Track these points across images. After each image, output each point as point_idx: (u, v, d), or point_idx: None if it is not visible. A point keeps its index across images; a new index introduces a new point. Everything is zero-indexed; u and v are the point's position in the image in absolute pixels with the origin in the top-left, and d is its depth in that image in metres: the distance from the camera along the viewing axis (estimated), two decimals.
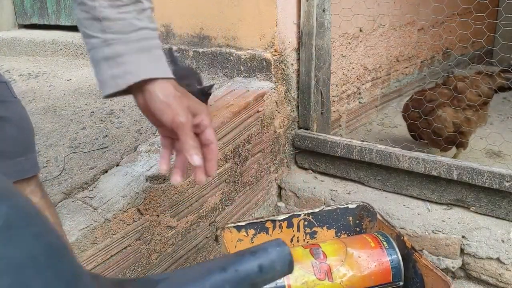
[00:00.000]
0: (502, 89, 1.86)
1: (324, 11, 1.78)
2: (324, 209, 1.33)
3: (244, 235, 1.26)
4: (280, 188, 1.90)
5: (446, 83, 1.92)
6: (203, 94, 1.41)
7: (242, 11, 1.85)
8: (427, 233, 1.54)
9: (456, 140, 1.87)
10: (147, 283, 0.38)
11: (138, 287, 0.38)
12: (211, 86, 1.43)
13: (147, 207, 1.30)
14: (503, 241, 1.46)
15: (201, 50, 2.03)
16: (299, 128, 1.93)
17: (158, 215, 1.34)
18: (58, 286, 0.30)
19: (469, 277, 1.55)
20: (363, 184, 1.79)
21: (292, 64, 1.85)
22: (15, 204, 0.30)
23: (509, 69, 1.82)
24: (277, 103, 1.81)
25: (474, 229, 1.51)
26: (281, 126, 1.86)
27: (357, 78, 2.35)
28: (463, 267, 1.54)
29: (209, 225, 1.57)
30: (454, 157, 1.87)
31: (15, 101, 0.76)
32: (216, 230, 1.60)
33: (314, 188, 1.81)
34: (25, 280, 0.28)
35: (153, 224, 1.33)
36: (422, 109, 1.89)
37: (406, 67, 2.79)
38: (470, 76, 1.88)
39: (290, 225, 1.30)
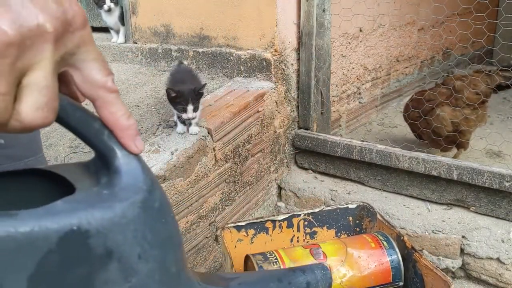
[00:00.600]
0: (500, 87, 1.86)
1: (324, 11, 1.78)
2: (324, 209, 1.33)
3: (244, 235, 1.26)
4: (280, 188, 1.90)
5: (445, 82, 1.92)
6: (195, 94, 1.41)
7: (242, 11, 1.85)
8: (427, 233, 1.54)
9: (456, 140, 1.87)
10: (222, 278, 0.45)
11: (215, 281, 0.44)
12: (202, 86, 1.43)
13: None
14: (503, 241, 1.46)
15: (201, 50, 2.03)
16: (299, 128, 1.93)
17: None
18: (180, 264, 0.38)
19: (469, 277, 1.55)
20: (363, 184, 1.79)
21: (292, 64, 1.85)
22: (162, 191, 0.37)
23: (508, 69, 1.82)
24: (277, 103, 1.81)
25: (474, 229, 1.51)
26: (281, 126, 1.86)
27: (357, 78, 2.35)
28: (463, 267, 1.54)
29: (209, 225, 1.57)
30: (455, 157, 1.87)
31: None
32: (216, 230, 1.60)
33: (314, 188, 1.81)
34: (165, 254, 0.35)
35: None
36: (421, 109, 1.89)
37: (406, 67, 2.79)
38: (469, 76, 1.88)
39: (290, 225, 1.30)
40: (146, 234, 0.34)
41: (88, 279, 0.31)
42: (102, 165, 0.36)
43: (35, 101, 0.31)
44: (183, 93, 1.39)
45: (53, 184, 0.37)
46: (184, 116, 1.42)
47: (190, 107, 1.39)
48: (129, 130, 0.36)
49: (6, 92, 0.29)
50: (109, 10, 2.29)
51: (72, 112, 0.34)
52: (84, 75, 0.34)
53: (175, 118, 1.51)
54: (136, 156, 0.36)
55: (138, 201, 0.34)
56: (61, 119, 0.34)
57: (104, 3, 2.28)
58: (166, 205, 0.37)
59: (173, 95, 1.40)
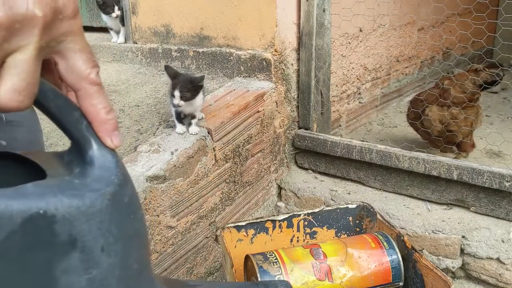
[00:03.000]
0: (488, 83, 1.83)
1: (324, 11, 1.78)
2: (324, 209, 1.33)
3: (244, 235, 1.26)
4: (280, 188, 1.90)
5: (439, 82, 1.92)
6: (194, 85, 1.40)
7: (242, 11, 1.85)
8: (427, 233, 1.54)
9: (453, 140, 1.86)
10: (185, 285, 0.45)
11: (177, 286, 0.43)
12: (201, 78, 1.44)
13: (147, 207, 1.30)
14: (503, 241, 1.46)
15: (201, 50, 2.03)
16: (299, 128, 1.93)
17: (158, 215, 1.34)
18: (144, 263, 0.37)
19: (469, 277, 1.55)
20: (363, 184, 1.79)
21: (292, 64, 1.85)
22: (134, 189, 0.37)
23: (496, 65, 1.81)
24: (277, 103, 1.81)
25: (474, 229, 1.51)
26: (281, 126, 1.86)
27: (357, 78, 2.35)
28: (463, 267, 1.54)
29: (209, 225, 1.57)
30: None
31: None
32: (216, 230, 1.60)
33: (314, 188, 1.81)
34: (128, 250, 0.35)
35: (153, 224, 1.33)
36: (418, 110, 1.89)
37: (406, 67, 2.79)
38: (455, 71, 1.88)
39: (290, 225, 1.30)
40: (111, 228, 0.33)
41: (49, 265, 0.31)
42: (76, 156, 0.36)
43: (13, 83, 0.31)
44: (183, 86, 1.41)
45: (25, 170, 0.37)
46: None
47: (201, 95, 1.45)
48: (107, 125, 0.36)
49: None
50: (117, 17, 2.33)
51: (53, 99, 0.34)
52: (69, 65, 0.34)
53: (174, 118, 1.51)
54: (112, 150, 0.36)
55: (108, 194, 0.34)
56: (41, 104, 0.34)
57: (113, 11, 2.30)
58: (136, 202, 0.37)
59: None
